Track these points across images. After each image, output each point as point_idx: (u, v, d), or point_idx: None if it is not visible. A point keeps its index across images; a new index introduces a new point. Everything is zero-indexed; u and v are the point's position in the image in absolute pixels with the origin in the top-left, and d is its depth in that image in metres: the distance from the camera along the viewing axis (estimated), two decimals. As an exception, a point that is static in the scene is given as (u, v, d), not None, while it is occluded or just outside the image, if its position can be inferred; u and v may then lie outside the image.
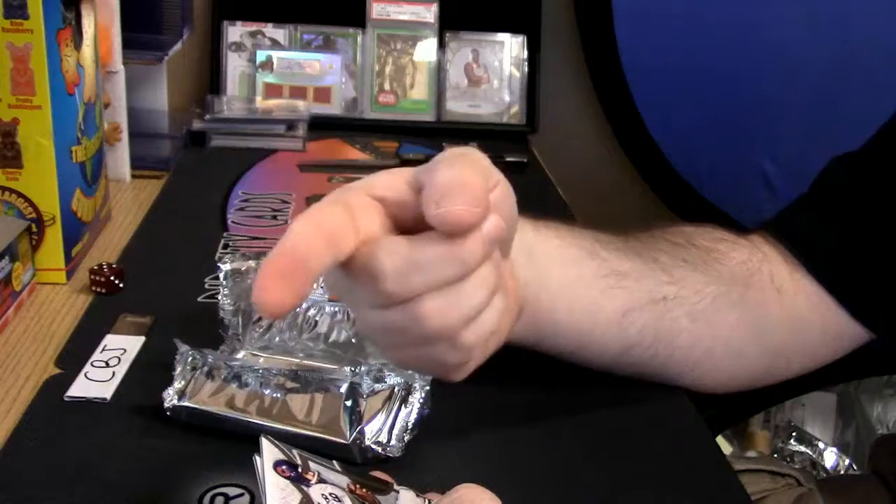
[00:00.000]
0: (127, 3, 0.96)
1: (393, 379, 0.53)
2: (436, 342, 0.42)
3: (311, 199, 0.95)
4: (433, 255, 0.40)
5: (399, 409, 0.52)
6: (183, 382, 0.54)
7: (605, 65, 1.30)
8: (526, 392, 0.60)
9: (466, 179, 0.39)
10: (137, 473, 0.50)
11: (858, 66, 1.28)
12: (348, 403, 0.52)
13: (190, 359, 0.54)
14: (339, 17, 1.24)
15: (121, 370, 0.60)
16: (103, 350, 0.62)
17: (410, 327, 0.41)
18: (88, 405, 0.57)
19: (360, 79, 1.24)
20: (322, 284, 0.58)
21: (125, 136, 0.97)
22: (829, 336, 0.63)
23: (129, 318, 0.67)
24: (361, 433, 0.51)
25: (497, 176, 0.42)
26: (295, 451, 0.40)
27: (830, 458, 1.62)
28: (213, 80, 1.22)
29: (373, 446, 0.51)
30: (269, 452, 0.39)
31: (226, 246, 0.83)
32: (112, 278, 0.71)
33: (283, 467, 0.39)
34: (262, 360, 0.57)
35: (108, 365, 0.61)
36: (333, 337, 0.59)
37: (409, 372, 0.53)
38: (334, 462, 0.43)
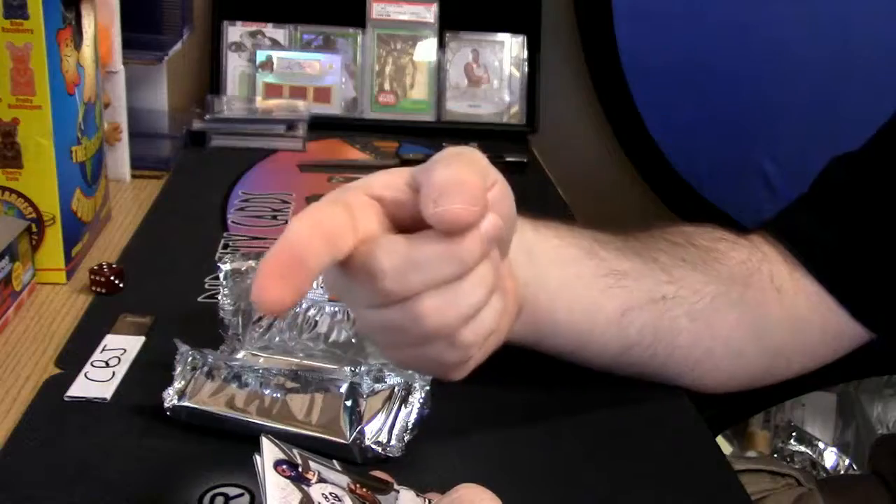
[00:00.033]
0: (127, 3, 0.96)
1: (393, 379, 0.53)
2: (434, 341, 0.42)
3: (311, 199, 0.94)
4: (431, 254, 0.40)
5: (399, 409, 0.52)
6: (183, 382, 0.54)
7: (605, 65, 1.30)
8: (526, 392, 0.60)
9: (464, 178, 0.39)
10: (137, 473, 0.50)
11: (858, 66, 1.28)
12: (348, 403, 0.52)
13: (190, 359, 0.54)
14: (339, 17, 1.24)
15: (121, 370, 0.60)
16: (103, 350, 0.62)
17: (409, 326, 0.41)
18: (88, 405, 0.57)
19: (360, 79, 1.24)
20: (322, 284, 0.58)
21: (125, 136, 0.97)
22: (829, 336, 0.63)
23: (129, 318, 0.67)
24: (361, 433, 0.51)
25: (495, 175, 0.42)
26: (295, 451, 0.40)
27: (830, 458, 1.62)
28: (213, 80, 1.22)
29: (373, 446, 0.51)
30: (270, 452, 0.39)
31: (226, 246, 0.83)
32: (112, 278, 0.71)
33: (284, 467, 0.39)
34: (262, 360, 0.57)
35: (108, 365, 0.61)
36: (333, 337, 0.59)
37: (409, 372, 0.53)
38: (334, 462, 0.43)
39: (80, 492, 0.49)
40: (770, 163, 1.33)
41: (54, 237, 0.73)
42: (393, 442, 0.52)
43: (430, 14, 1.25)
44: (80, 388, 0.58)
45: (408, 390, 0.53)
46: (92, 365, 0.60)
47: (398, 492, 0.42)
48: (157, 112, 1.13)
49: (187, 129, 1.11)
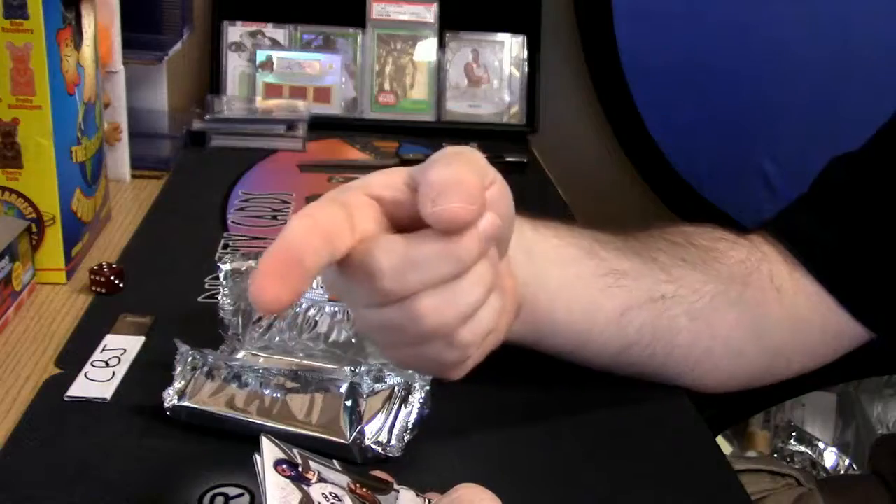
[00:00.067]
0: (127, 3, 0.96)
1: (393, 379, 0.53)
2: (432, 340, 0.42)
3: (311, 199, 0.94)
4: (429, 253, 0.40)
5: (399, 409, 0.52)
6: (183, 382, 0.54)
7: (605, 65, 1.30)
8: (526, 392, 0.60)
9: (462, 177, 0.39)
10: (137, 473, 0.50)
11: (858, 66, 1.28)
12: (348, 403, 0.52)
13: (190, 359, 0.54)
14: (339, 17, 1.24)
15: (121, 370, 0.60)
16: (103, 350, 0.62)
17: (407, 325, 0.41)
18: (88, 405, 0.57)
19: (360, 79, 1.24)
20: (321, 284, 0.58)
21: (125, 136, 0.97)
22: (829, 335, 0.63)
23: (129, 318, 0.67)
24: (361, 433, 0.51)
25: (493, 174, 0.42)
26: (295, 451, 0.40)
27: (830, 458, 1.62)
28: (213, 80, 1.22)
29: (373, 446, 0.51)
30: (270, 451, 0.39)
31: (226, 246, 0.83)
32: (112, 278, 0.71)
33: (284, 466, 0.39)
34: (262, 360, 0.57)
35: (108, 365, 0.61)
36: (333, 337, 0.59)
37: (409, 372, 0.53)
38: (334, 461, 0.43)
39: (80, 492, 0.49)
40: (770, 163, 1.33)
41: (54, 237, 0.73)
42: (393, 442, 0.52)
43: (430, 14, 1.25)
44: (80, 388, 0.58)
45: (408, 390, 0.53)
46: (92, 365, 0.60)
47: (398, 492, 0.42)
48: (157, 112, 1.13)
49: (187, 129, 1.11)
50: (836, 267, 0.62)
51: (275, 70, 1.22)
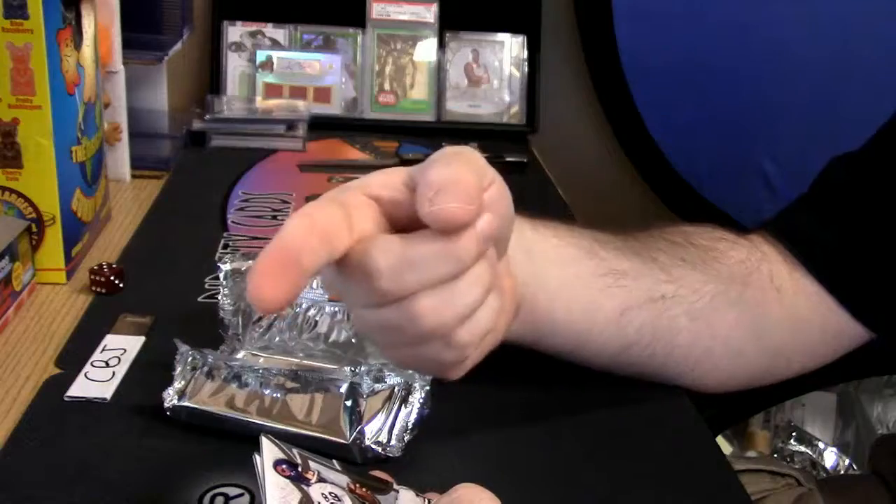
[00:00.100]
0: (127, 3, 0.96)
1: (393, 379, 0.53)
2: (430, 340, 0.42)
3: (311, 199, 0.94)
4: (427, 253, 0.40)
5: (399, 409, 0.52)
6: (183, 382, 0.54)
7: (605, 65, 1.30)
8: (525, 392, 0.60)
9: (460, 177, 0.39)
10: (137, 473, 0.50)
11: (858, 66, 1.28)
12: (348, 403, 0.52)
13: (190, 359, 0.54)
14: (339, 17, 1.24)
15: (121, 370, 0.60)
16: (103, 350, 0.62)
17: (405, 326, 0.41)
18: (88, 405, 0.57)
19: (360, 79, 1.24)
20: (321, 284, 0.58)
21: (125, 136, 0.97)
22: (829, 335, 0.63)
23: (129, 318, 0.67)
24: (361, 433, 0.51)
25: (492, 174, 0.42)
26: (295, 451, 0.40)
27: (830, 458, 1.62)
28: (213, 80, 1.22)
29: (373, 446, 0.51)
30: (269, 451, 0.39)
31: (226, 246, 0.83)
32: (112, 278, 0.71)
33: (283, 466, 0.39)
34: (262, 360, 0.57)
35: (108, 365, 0.61)
36: (333, 337, 0.59)
37: (409, 372, 0.53)
38: (334, 461, 0.43)
39: (80, 492, 0.49)
40: (770, 163, 1.33)
41: (54, 237, 0.73)
42: (393, 442, 0.52)
43: (430, 14, 1.25)
44: (80, 388, 0.58)
45: (408, 390, 0.53)
46: (92, 365, 0.60)
47: (398, 492, 0.42)
48: (157, 112, 1.13)
49: (187, 129, 1.11)
50: (836, 267, 0.62)
51: (275, 70, 1.22)
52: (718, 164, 1.34)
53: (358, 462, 0.51)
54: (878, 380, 1.63)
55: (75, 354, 0.62)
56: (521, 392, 0.60)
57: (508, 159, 1.10)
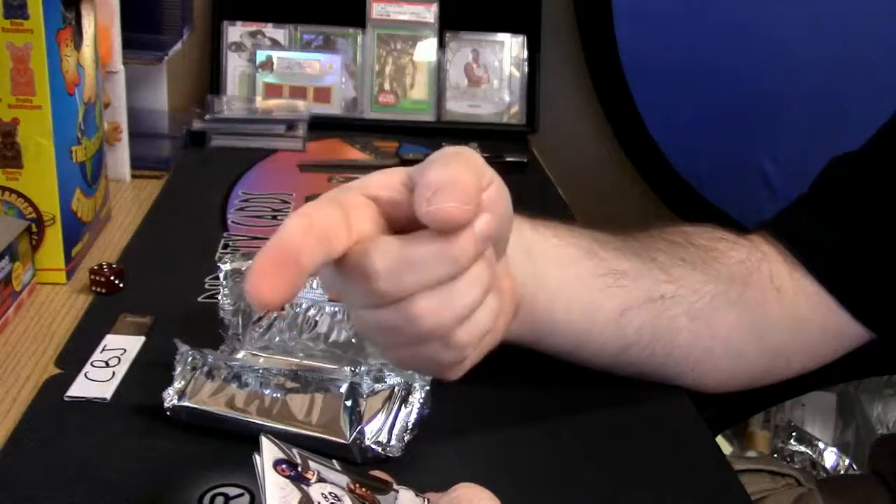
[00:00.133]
0: (127, 3, 0.96)
1: (393, 379, 0.53)
2: (429, 341, 0.42)
3: (311, 199, 0.95)
4: (425, 254, 0.40)
5: (399, 409, 0.52)
6: (183, 382, 0.54)
7: (605, 65, 1.30)
8: (525, 392, 0.60)
9: (458, 177, 0.39)
10: (137, 473, 0.50)
11: (858, 66, 1.28)
12: (348, 403, 0.52)
13: (190, 359, 0.54)
14: (339, 17, 1.24)
15: (121, 370, 0.60)
16: (103, 350, 0.62)
17: (404, 327, 0.41)
18: (88, 405, 0.57)
19: (360, 79, 1.24)
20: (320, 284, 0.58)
21: (125, 136, 0.97)
22: (829, 335, 0.63)
23: (129, 318, 0.67)
24: (361, 433, 0.51)
25: (491, 175, 0.42)
26: (295, 450, 0.40)
27: (830, 458, 1.62)
28: (213, 80, 1.22)
29: (373, 446, 0.51)
30: (269, 451, 0.39)
31: (226, 246, 0.83)
32: (112, 278, 0.71)
33: (283, 466, 0.39)
34: (262, 360, 0.57)
35: (108, 365, 0.61)
36: (333, 337, 0.59)
37: (409, 372, 0.53)
38: (334, 461, 0.43)
39: (80, 492, 0.49)
40: (770, 163, 1.33)
41: (54, 237, 0.73)
42: (393, 442, 0.52)
43: (430, 14, 1.25)
44: (80, 388, 0.58)
45: (408, 390, 0.53)
46: (92, 365, 0.60)
47: (398, 492, 0.42)
48: (157, 112, 1.13)
49: (187, 129, 1.11)
50: (836, 267, 0.62)
51: (275, 70, 1.22)
52: (718, 164, 1.34)
53: (358, 462, 0.51)
54: (878, 380, 1.63)
55: (75, 354, 0.62)
56: (521, 392, 0.60)
57: (508, 159, 1.10)
